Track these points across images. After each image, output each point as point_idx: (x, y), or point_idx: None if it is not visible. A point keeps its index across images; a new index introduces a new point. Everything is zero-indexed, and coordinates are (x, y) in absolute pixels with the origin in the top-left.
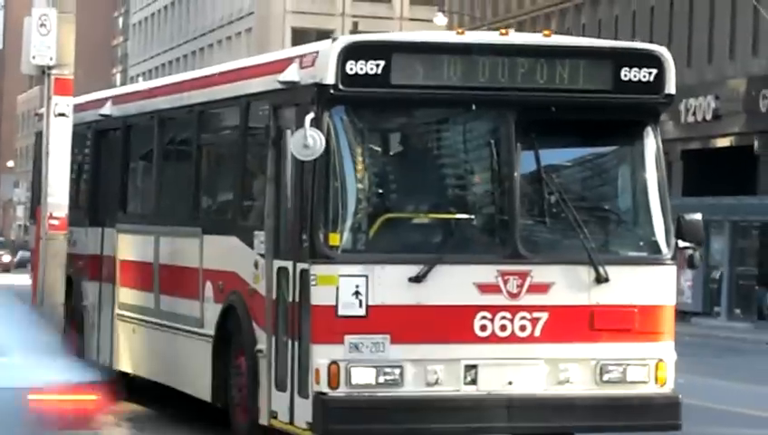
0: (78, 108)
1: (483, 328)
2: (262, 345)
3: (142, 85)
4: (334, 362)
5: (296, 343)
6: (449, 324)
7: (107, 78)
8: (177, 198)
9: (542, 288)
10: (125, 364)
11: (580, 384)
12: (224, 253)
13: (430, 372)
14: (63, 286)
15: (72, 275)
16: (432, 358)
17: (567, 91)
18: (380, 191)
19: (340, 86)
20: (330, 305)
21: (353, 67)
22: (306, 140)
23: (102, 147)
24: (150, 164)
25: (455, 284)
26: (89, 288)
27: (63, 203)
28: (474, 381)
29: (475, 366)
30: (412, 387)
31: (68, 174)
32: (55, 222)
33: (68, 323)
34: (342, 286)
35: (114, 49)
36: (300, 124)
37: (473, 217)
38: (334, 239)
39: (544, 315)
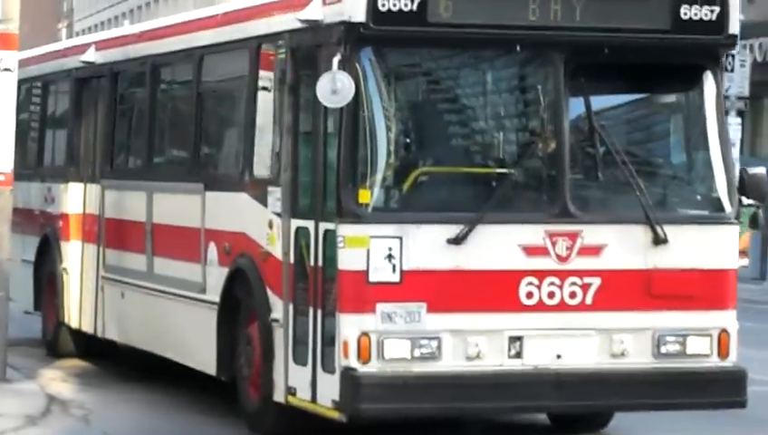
0: (53, 55)
1: (529, 295)
2: (277, 314)
3: (130, 29)
4: (365, 334)
5: (319, 312)
6: (492, 291)
7: (52, 33)
8: (174, 152)
9: (593, 250)
10: (111, 331)
11: (636, 357)
12: (231, 211)
13: (471, 344)
14: (16, 244)
15: (49, 234)
16: (473, 329)
17: (621, 32)
18: (415, 142)
19: (372, 24)
20: (359, 271)
21: (386, 3)
22: (335, 85)
23: (84, 97)
24: (142, 115)
25: (498, 246)
26: (68, 249)
27: (8, 158)
28: (519, 355)
29: (520, 338)
30: (451, 361)
31: (13, 129)
32: (0, 177)
33: (43, 286)
34: (374, 249)
35: (60, 3)
36: (323, 67)
37: (517, 171)
38: (364, 196)
39: (596, 281)
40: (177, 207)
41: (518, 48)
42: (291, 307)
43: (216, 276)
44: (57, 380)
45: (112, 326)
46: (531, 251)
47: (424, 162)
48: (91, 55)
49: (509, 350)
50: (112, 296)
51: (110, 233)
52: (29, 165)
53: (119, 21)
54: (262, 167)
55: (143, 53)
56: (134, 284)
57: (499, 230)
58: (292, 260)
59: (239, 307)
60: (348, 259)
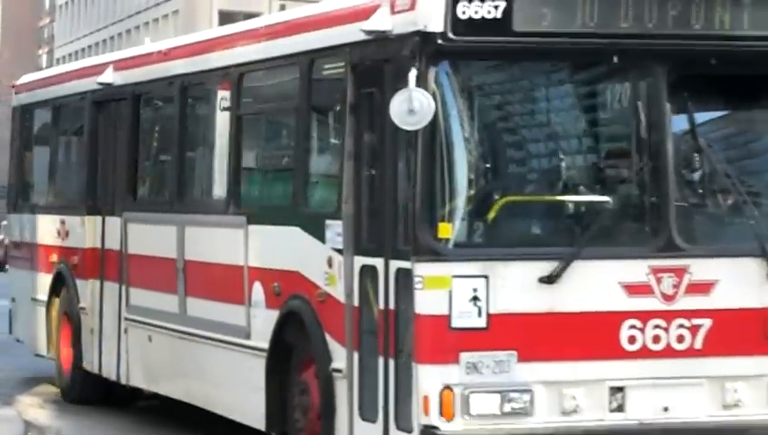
0: (65, 77)
1: (631, 340)
2: (339, 363)
3: (153, 47)
4: (448, 387)
5: (391, 362)
6: (589, 336)
7: (33, 59)
8: (210, 182)
9: (703, 288)
10: (136, 378)
11: (752, 408)
12: (280, 247)
13: (567, 396)
14: None
15: (63, 271)
16: (569, 379)
17: (730, 39)
18: (500, 168)
19: (451, 34)
20: (440, 315)
21: (466, 10)
22: (411, 104)
23: (101, 121)
24: (169, 140)
25: (596, 284)
26: (86, 287)
27: None
28: (621, 408)
29: (622, 389)
30: (545, 416)
31: None
32: None
33: (56, 327)
34: (456, 290)
35: (41, 30)
36: (390, 84)
37: (615, 199)
38: (444, 230)
39: (707, 322)
40: (214, 242)
41: (615, 59)
42: (356, 356)
43: (264, 320)
44: (34, 406)
45: (138, 373)
46: (633, 290)
47: (510, 190)
48: (109, 76)
49: (610, 402)
50: (138, 340)
51: (135, 270)
52: (37, 196)
53: (99, 48)
54: (317, 197)
55: (170, 72)
56: (164, 326)
57: (597, 267)
58: (356, 302)
59: (290, 354)
60: (426, 302)
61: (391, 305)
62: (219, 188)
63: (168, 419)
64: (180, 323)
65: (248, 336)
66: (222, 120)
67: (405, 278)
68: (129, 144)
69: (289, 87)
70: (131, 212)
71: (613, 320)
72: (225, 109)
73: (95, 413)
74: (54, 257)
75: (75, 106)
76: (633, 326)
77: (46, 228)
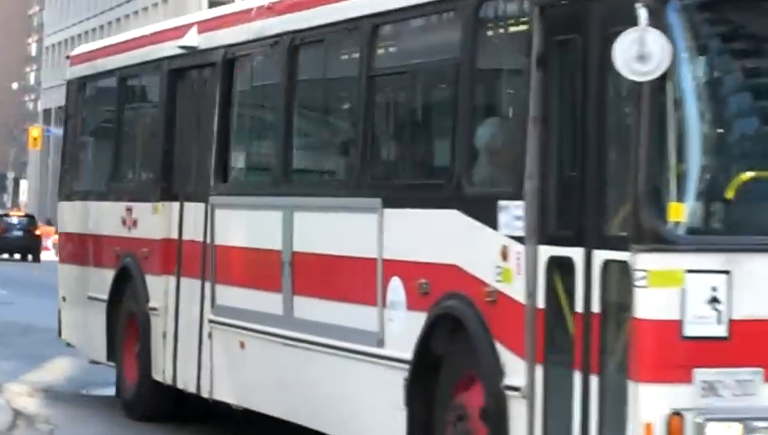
0: (133, 44)
1: None
2: (515, 379)
3: (248, 3)
4: (677, 413)
5: (594, 380)
6: None
7: (22, 48)
8: (330, 156)
9: None
10: (223, 392)
11: None
12: (430, 236)
13: None
14: None
15: (129, 265)
16: None
17: None
18: (747, 135)
19: None
20: (670, 320)
21: None
22: (644, 48)
23: (180, 92)
24: (275, 110)
25: None
26: (158, 284)
27: None
28: None
29: None
30: None
31: None
32: None
33: (120, 330)
34: (691, 289)
35: (30, 18)
36: (600, 28)
37: None
38: (676, 212)
39: None
40: (335, 230)
41: None
42: (539, 370)
43: (404, 324)
44: (23, 395)
45: (225, 385)
46: None
47: (761, 164)
48: (193, 39)
49: None
50: (226, 346)
51: (224, 265)
52: (96, 181)
53: (89, 36)
54: (486, 173)
55: (275, 30)
56: (262, 331)
57: None
58: (540, 304)
59: (439, 367)
60: (652, 304)
61: (595, 308)
62: (343, 164)
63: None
64: (285, 326)
65: (381, 344)
66: (347, 83)
67: (619, 273)
68: (219, 117)
69: (443, 38)
70: (221, 196)
71: None
72: (350, 68)
73: (84, 402)
74: (119, 250)
75: (147, 76)
76: None
77: (108, 217)
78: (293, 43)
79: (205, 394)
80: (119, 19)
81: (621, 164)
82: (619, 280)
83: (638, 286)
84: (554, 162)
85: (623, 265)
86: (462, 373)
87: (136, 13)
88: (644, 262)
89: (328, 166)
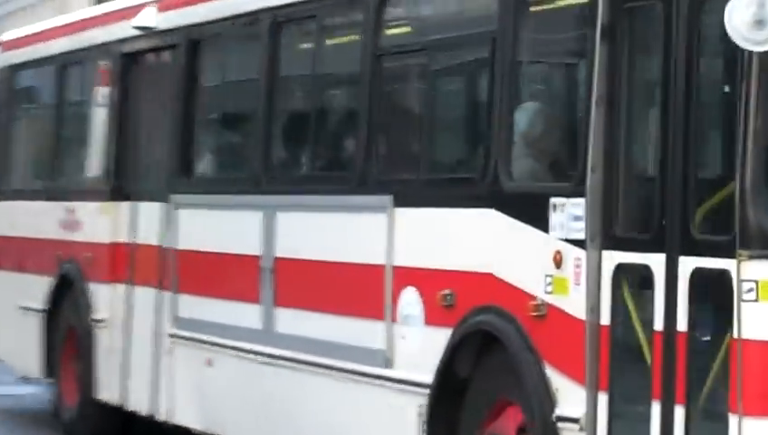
0: (75, 27)
1: None
2: (572, 409)
3: None
4: None
5: (678, 412)
6: None
7: None
8: (324, 147)
9: None
10: (185, 415)
11: None
12: (457, 239)
13: None
14: None
15: (70, 273)
16: None
17: None
18: None
19: None
20: None
21: None
22: (764, 11)
23: (133, 79)
24: (251, 96)
25: None
26: (104, 294)
27: None
28: None
29: None
30: None
31: None
32: None
33: (59, 345)
34: None
35: None
36: None
37: None
38: None
39: None
40: (330, 233)
41: None
42: (602, 400)
43: (420, 342)
44: None
45: (188, 408)
46: None
47: None
48: (151, 19)
49: None
50: (190, 364)
51: (188, 272)
52: (32, 179)
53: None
54: (529, 165)
55: (253, 6)
56: (236, 347)
57: None
58: (605, 320)
59: (464, 391)
60: (762, 321)
61: (681, 326)
62: (343, 155)
63: None
64: (265, 342)
65: (389, 364)
66: (345, 61)
67: (715, 284)
68: (182, 105)
69: (473, 6)
70: (185, 195)
71: None
72: (349, 45)
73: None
74: (59, 255)
75: (93, 61)
76: None
77: (45, 219)
78: (276, 21)
79: (161, 417)
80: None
81: (719, 153)
82: (716, 292)
83: (746, 300)
84: (623, 152)
85: (721, 275)
86: (496, 400)
87: (24, 9)
88: (753, 271)
89: (321, 158)
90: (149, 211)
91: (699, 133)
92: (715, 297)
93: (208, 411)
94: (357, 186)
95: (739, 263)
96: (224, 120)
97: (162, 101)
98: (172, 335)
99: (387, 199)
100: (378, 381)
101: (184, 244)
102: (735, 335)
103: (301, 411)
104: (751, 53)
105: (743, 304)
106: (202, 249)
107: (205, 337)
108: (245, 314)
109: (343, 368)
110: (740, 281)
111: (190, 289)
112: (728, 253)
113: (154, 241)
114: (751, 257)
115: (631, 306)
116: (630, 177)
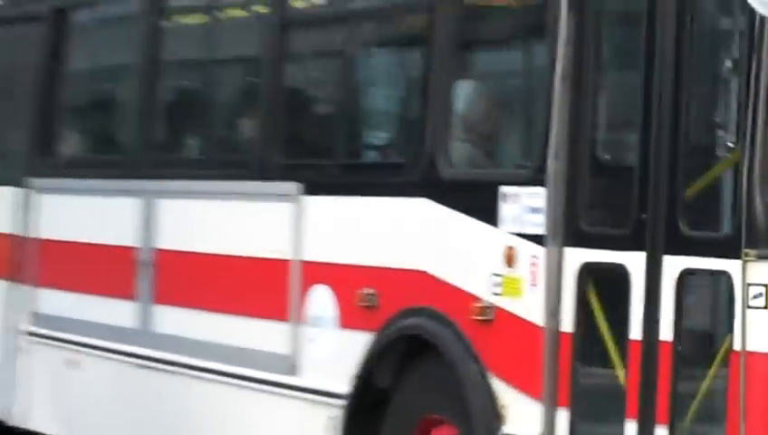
0: None
1: None
2: (522, 428)
3: None
4: None
5: (656, 433)
6: None
7: None
8: (215, 127)
9: None
10: (42, 419)
11: None
12: (381, 232)
13: None
14: None
15: None
16: None
17: None
18: None
19: None
20: None
21: None
22: None
23: None
24: (127, 69)
25: None
26: None
27: None
28: None
29: None
30: None
31: None
32: None
33: None
34: None
35: None
36: None
37: None
38: None
39: None
40: (222, 224)
41: None
42: (561, 418)
43: (333, 347)
44: None
45: (44, 412)
46: None
47: None
48: None
49: None
50: (48, 365)
51: (49, 264)
52: None
53: None
54: (472, 148)
55: None
56: (104, 347)
57: None
58: (566, 326)
59: (384, 404)
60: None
61: (664, 334)
62: (239, 136)
63: None
64: (140, 342)
65: (293, 370)
66: (246, 26)
67: (711, 288)
68: (44, 80)
69: None
70: (46, 178)
71: None
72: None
73: None
74: None
75: None
76: None
77: None
78: None
79: (14, 422)
80: None
81: (715, 136)
82: (716, 299)
83: (753, 307)
84: (591, 135)
85: (720, 278)
86: (424, 417)
87: None
88: (763, 273)
89: (213, 140)
90: (4, 197)
91: (692, 113)
92: (712, 303)
93: (70, 417)
94: (256, 171)
95: (745, 264)
96: (95, 96)
97: (20, 77)
98: (30, 333)
99: (293, 187)
100: (280, 390)
101: (45, 233)
102: (737, 347)
103: (184, 419)
104: (764, 18)
105: (749, 311)
106: (67, 239)
107: (69, 336)
108: (118, 312)
109: (238, 374)
110: (746, 285)
111: (52, 283)
112: (727, 252)
113: (5, 229)
114: (759, 258)
115: (599, 312)
116: (600, 163)
